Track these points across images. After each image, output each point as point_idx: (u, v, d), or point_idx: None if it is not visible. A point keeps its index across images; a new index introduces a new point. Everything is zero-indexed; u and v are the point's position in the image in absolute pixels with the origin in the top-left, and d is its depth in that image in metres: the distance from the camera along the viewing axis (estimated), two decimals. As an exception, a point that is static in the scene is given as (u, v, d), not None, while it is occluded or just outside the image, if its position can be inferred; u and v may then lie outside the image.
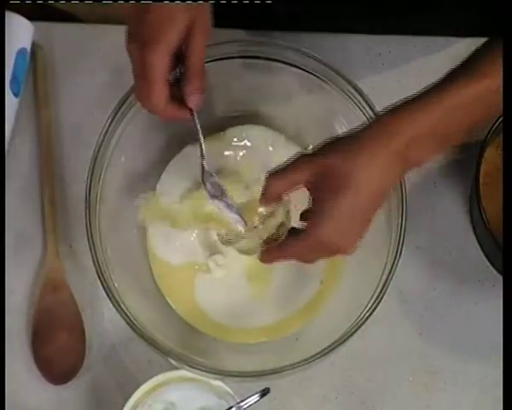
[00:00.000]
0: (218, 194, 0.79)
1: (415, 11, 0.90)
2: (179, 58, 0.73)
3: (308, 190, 0.71)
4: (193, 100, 0.74)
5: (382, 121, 0.69)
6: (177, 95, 0.74)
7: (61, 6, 0.99)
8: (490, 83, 0.66)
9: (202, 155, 0.78)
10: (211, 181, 0.79)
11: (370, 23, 0.91)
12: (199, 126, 0.76)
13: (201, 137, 0.77)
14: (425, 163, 0.69)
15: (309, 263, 0.74)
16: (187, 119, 0.75)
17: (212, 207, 0.85)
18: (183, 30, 0.70)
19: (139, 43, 0.70)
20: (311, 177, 0.70)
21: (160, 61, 0.70)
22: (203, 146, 0.77)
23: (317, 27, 0.90)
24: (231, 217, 0.80)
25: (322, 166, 0.69)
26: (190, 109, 0.75)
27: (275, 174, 0.72)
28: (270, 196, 0.73)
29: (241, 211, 0.81)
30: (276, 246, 0.76)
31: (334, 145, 0.70)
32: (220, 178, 0.85)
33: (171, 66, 0.72)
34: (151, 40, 0.70)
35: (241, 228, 0.81)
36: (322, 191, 0.69)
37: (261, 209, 0.83)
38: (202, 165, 0.78)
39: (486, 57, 0.67)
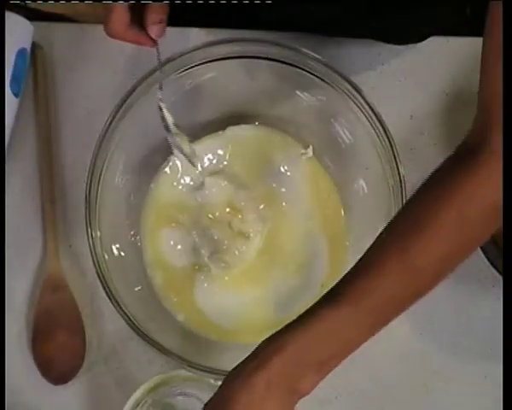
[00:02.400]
0: (169, 128, 0.80)
1: (414, 11, 0.90)
2: None
3: None
4: (154, 30, 0.75)
5: (254, 352, 0.66)
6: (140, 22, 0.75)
7: (60, 10, 0.99)
8: (350, 310, 0.64)
9: (161, 87, 0.78)
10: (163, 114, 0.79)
11: (371, 24, 0.90)
12: (160, 56, 0.77)
13: (160, 66, 0.78)
14: (310, 389, 0.66)
15: None
16: (150, 46, 0.76)
17: (212, 207, 0.85)
18: None
19: None
20: None
21: None
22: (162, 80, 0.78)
23: (317, 28, 0.90)
24: (179, 157, 0.81)
25: None
26: (153, 39, 0.76)
27: None
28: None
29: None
30: None
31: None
32: (219, 178, 0.86)
33: None
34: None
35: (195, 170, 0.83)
36: None
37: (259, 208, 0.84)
38: (159, 100, 0.78)
39: (350, 284, 0.65)
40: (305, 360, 0.64)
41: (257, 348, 0.65)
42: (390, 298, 0.65)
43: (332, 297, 0.65)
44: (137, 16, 0.75)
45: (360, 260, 0.66)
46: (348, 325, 0.65)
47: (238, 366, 0.65)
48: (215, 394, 0.66)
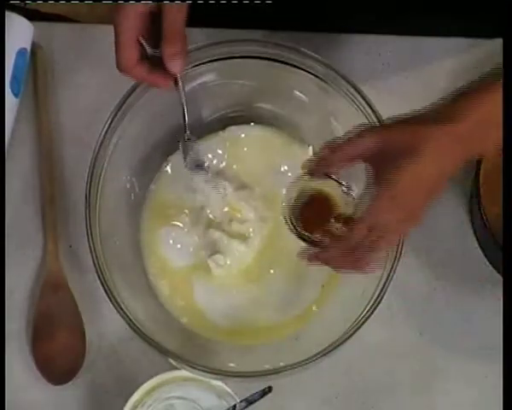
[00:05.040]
0: (200, 165, 0.81)
1: (415, 11, 0.90)
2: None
3: (366, 164, 0.69)
4: (172, 65, 0.72)
5: (449, 105, 0.68)
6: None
7: (60, 11, 0.99)
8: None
9: (185, 126, 0.78)
10: (194, 151, 0.80)
11: (370, 23, 0.91)
12: (183, 94, 0.76)
13: (185, 105, 0.77)
14: (487, 153, 0.69)
15: (360, 268, 0.70)
16: (163, 87, 0.75)
17: (212, 207, 0.85)
18: None
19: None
20: (373, 150, 0.67)
21: (127, 21, 0.70)
22: (186, 117, 0.78)
23: (318, 27, 0.90)
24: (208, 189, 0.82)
25: (387, 140, 0.67)
26: (174, 76, 0.74)
27: (333, 145, 0.69)
28: (322, 167, 0.71)
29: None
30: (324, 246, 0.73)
31: (401, 122, 0.68)
32: (219, 178, 0.86)
33: (143, 27, 0.71)
34: (120, 3, 0.70)
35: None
36: (384, 164, 0.67)
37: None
38: (185, 130, 0.79)
39: None
40: (497, 121, 0.66)
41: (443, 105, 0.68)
42: None
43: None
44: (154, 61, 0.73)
45: None
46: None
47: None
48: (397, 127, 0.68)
